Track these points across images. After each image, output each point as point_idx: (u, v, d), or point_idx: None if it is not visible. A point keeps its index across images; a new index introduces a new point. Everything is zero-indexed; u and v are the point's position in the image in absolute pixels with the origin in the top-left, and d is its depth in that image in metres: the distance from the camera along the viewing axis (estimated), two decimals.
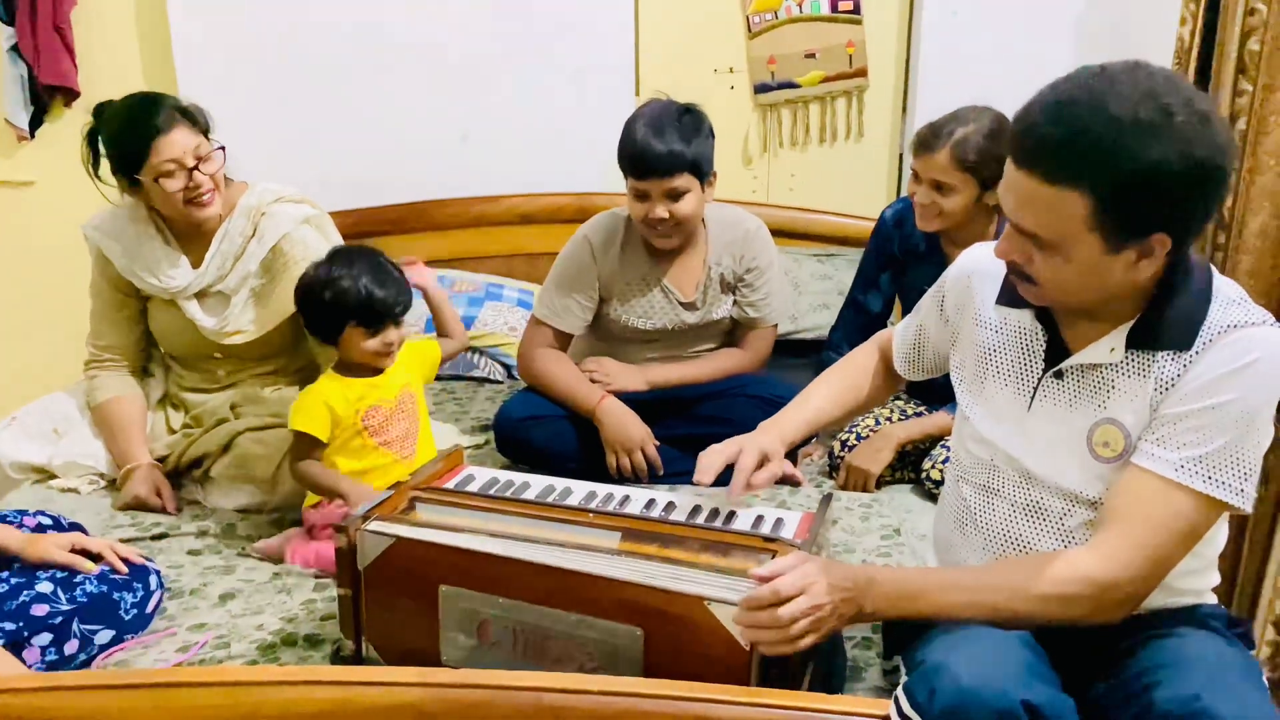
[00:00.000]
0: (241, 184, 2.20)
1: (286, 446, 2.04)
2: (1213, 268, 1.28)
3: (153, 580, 1.72)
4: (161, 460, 2.16)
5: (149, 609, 1.69)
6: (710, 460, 1.52)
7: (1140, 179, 1.12)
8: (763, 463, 1.52)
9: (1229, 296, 1.24)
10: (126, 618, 1.64)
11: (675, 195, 2.12)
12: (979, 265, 1.44)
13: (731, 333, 2.39)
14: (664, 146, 2.07)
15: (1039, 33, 2.86)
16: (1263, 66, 2.06)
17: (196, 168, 2.03)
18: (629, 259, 2.27)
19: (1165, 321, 1.23)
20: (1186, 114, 1.12)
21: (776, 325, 2.39)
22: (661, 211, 2.13)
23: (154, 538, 1.97)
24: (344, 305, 1.82)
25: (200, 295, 2.16)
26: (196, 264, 2.15)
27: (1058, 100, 1.16)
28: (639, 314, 2.28)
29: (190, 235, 2.16)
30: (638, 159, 2.10)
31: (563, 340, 2.28)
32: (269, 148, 2.14)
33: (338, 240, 2.27)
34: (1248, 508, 1.22)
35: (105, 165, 2.10)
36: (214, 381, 2.25)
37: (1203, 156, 1.12)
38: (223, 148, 2.09)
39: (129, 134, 2.02)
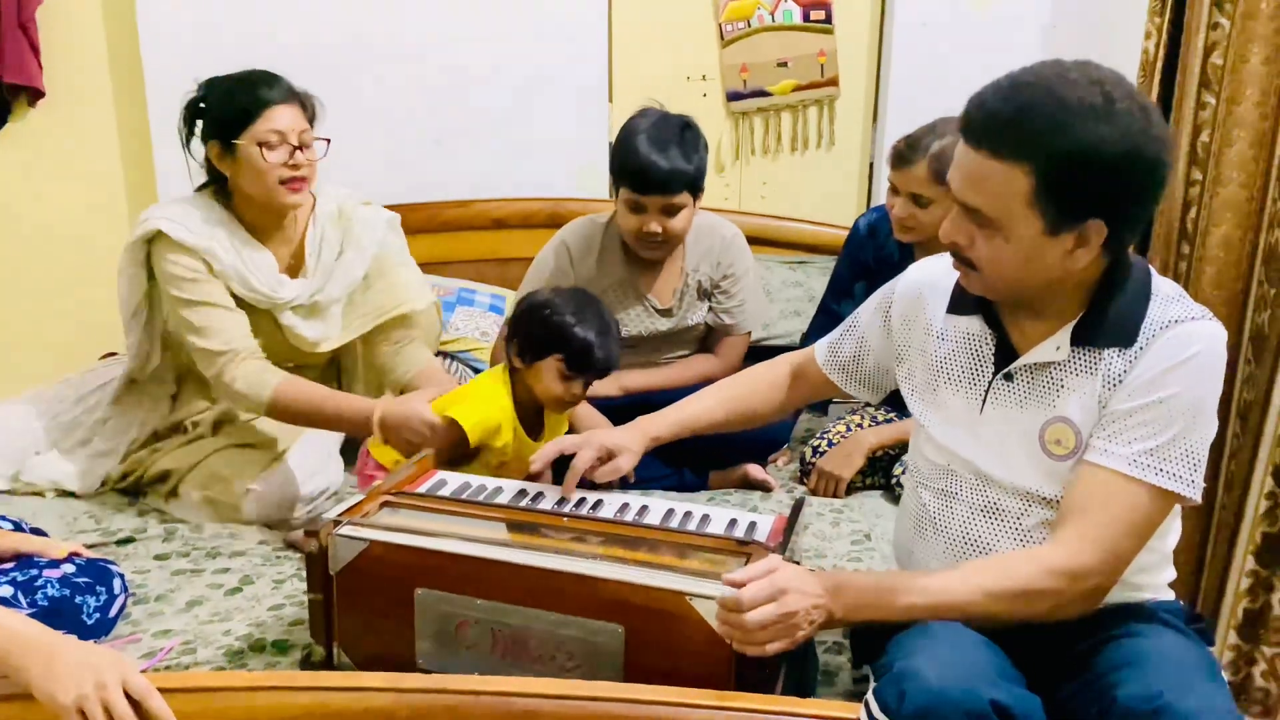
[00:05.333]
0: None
1: (255, 469, 2.02)
2: (1151, 268, 1.33)
3: (116, 584, 1.70)
4: (125, 476, 2.12)
5: (112, 613, 1.66)
6: (545, 450, 1.59)
7: (1080, 158, 1.17)
8: (610, 458, 1.58)
9: (1167, 294, 1.29)
10: (89, 622, 1.62)
11: (671, 211, 2.15)
12: (931, 278, 1.47)
13: (705, 339, 2.40)
14: (668, 165, 2.09)
15: (1007, 44, 2.89)
16: (1225, 80, 2.10)
17: (300, 148, 1.98)
18: (606, 266, 2.28)
19: (1108, 318, 1.28)
20: (1129, 104, 1.18)
21: (750, 333, 2.41)
22: (655, 226, 2.15)
23: (119, 542, 1.94)
24: (563, 336, 1.82)
25: (296, 307, 2.09)
26: (279, 268, 2.09)
27: (1009, 82, 1.22)
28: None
29: (265, 235, 2.08)
30: (641, 174, 2.11)
31: None
32: None
33: (405, 241, 2.25)
34: (1197, 498, 1.26)
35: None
36: None
37: (1141, 144, 1.18)
38: (328, 140, 2.04)
39: (243, 95, 1.98)
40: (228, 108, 1.99)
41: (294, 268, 2.11)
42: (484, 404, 1.84)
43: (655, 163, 2.09)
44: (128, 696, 1.15)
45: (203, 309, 2.00)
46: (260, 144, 1.96)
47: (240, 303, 2.05)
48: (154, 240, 2.01)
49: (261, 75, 2.02)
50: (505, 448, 1.85)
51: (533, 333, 1.85)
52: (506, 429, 1.85)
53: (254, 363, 2.00)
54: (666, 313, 2.30)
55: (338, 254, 2.12)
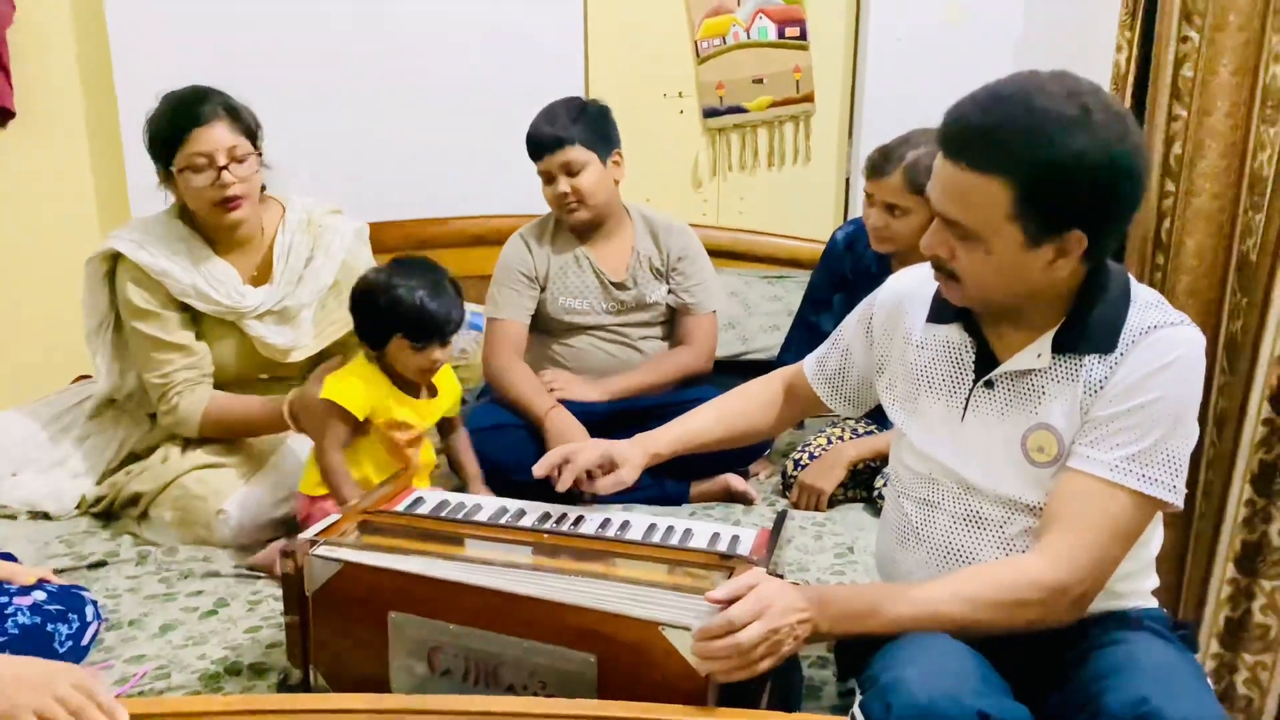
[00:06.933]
0: (275, 200, 2.17)
1: (228, 490, 1.99)
2: (1130, 275, 1.34)
3: (89, 611, 1.66)
4: (98, 501, 2.09)
5: (85, 641, 1.63)
6: (550, 457, 1.58)
7: (1059, 169, 1.17)
8: (612, 468, 1.57)
9: (1147, 300, 1.30)
10: (61, 650, 1.58)
11: (572, 170, 2.27)
12: (910, 288, 1.47)
13: (673, 326, 2.45)
14: (549, 125, 2.28)
15: (980, 58, 2.91)
16: (1196, 92, 2.12)
17: (226, 168, 1.96)
18: (560, 244, 2.40)
19: (1088, 325, 1.28)
20: (1105, 115, 1.18)
21: (714, 312, 2.46)
22: (564, 187, 2.28)
23: (91, 566, 1.90)
24: (395, 315, 1.81)
25: (262, 315, 2.09)
26: (242, 278, 2.09)
27: (987, 95, 1.23)
28: (573, 294, 2.37)
29: (227, 246, 2.09)
30: (530, 142, 2.31)
31: (518, 334, 2.36)
32: None
33: (370, 250, 2.29)
34: (1179, 503, 1.27)
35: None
36: None
37: (1118, 154, 1.18)
38: (258, 154, 2.03)
39: (169, 119, 1.98)
40: (158, 133, 1.99)
41: (261, 276, 2.12)
42: (360, 382, 1.85)
43: (538, 126, 2.30)
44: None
45: (154, 343, 2.04)
46: (187, 168, 1.96)
47: (205, 317, 2.06)
48: (117, 261, 2.04)
49: (189, 95, 2.00)
50: (405, 414, 1.87)
51: (366, 321, 1.86)
52: (381, 395, 1.86)
53: (193, 390, 2.05)
54: (621, 285, 2.38)
55: (307, 260, 2.13)
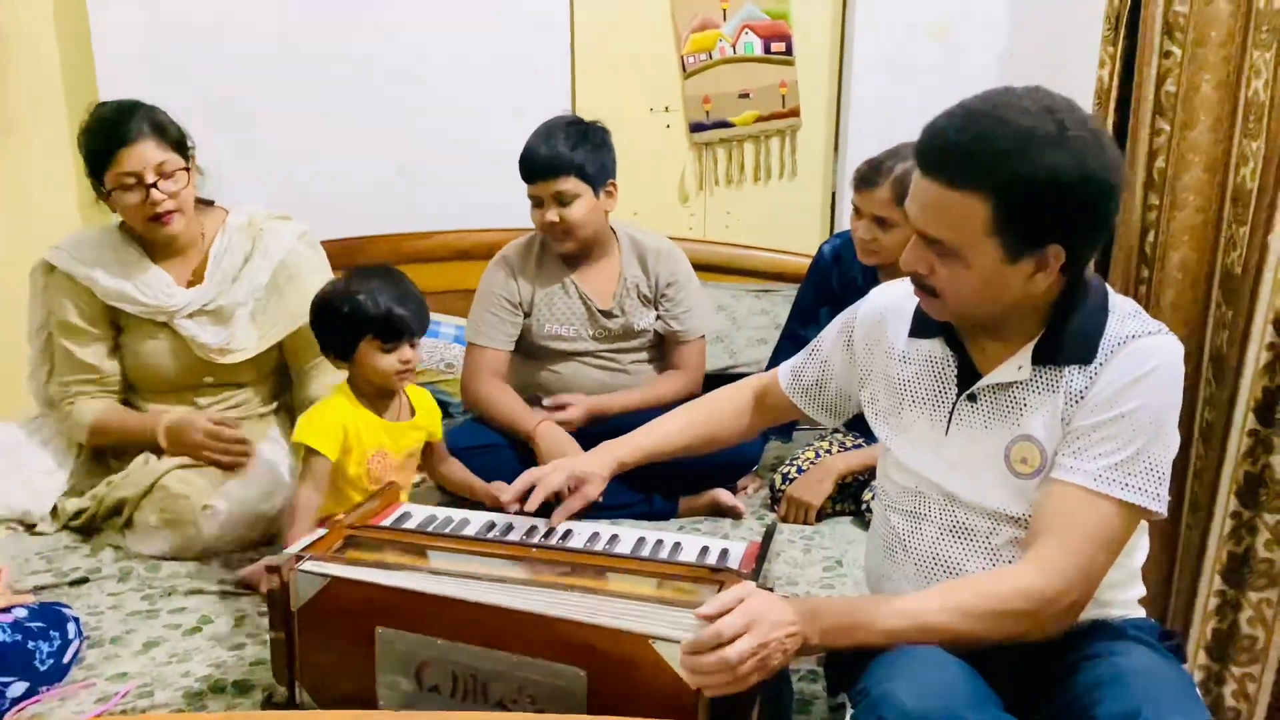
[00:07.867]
0: (221, 208, 2.19)
1: (212, 487, 1.97)
2: (1108, 286, 1.34)
3: (70, 628, 1.64)
4: (79, 514, 2.08)
5: (66, 659, 1.61)
6: (516, 484, 1.57)
7: (1038, 185, 1.18)
8: (579, 485, 1.56)
9: (1125, 310, 1.31)
10: (42, 668, 1.56)
11: (564, 200, 2.22)
12: (892, 302, 1.47)
13: (661, 348, 2.43)
14: (547, 151, 2.19)
15: (966, 73, 2.94)
16: (1179, 107, 2.14)
17: (155, 185, 1.98)
18: (545, 269, 2.35)
19: (1067, 336, 1.29)
20: (1080, 130, 1.19)
21: (704, 337, 2.45)
22: (552, 216, 2.23)
23: (73, 583, 1.88)
24: (360, 318, 1.79)
25: (194, 314, 2.11)
26: (178, 283, 2.12)
27: (963, 112, 1.23)
28: (560, 320, 2.34)
29: (166, 254, 2.12)
30: (524, 163, 2.23)
31: (498, 360, 2.32)
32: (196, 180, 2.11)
33: (324, 256, 2.29)
34: (1163, 511, 1.27)
35: None
36: None
37: (1095, 169, 1.19)
38: (187, 169, 2.05)
39: (96, 139, 2.01)
40: (86, 153, 2.02)
41: (198, 279, 2.15)
42: (319, 418, 1.82)
43: (535, 149, 2.21)
44: None
45: (67, 357, 2.11)
46: (117, 187, 1.99)
47: (135, 321, 2.10)
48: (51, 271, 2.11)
49: (113, 115, 2.02)
50: (365, 440, 1.84)
51: (333, 330, 1.84)
52: (354, 424, 1.83)
53: (89, 401, 2.12)
54: (609, 314, 2.35)
55: (244, 260, 2.16)
